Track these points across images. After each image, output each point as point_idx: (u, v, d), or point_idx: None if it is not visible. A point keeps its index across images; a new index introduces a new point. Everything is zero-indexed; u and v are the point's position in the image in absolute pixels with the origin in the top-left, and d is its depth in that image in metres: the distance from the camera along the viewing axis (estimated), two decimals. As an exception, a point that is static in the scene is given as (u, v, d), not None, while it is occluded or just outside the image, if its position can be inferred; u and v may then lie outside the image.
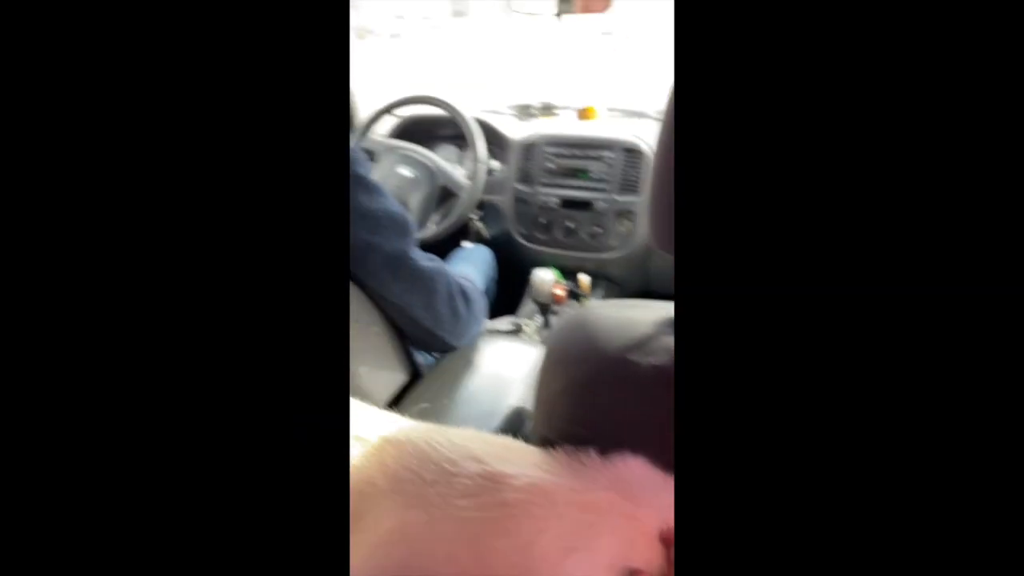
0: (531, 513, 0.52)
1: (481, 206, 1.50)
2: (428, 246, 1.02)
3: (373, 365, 0.92)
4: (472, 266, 1.35)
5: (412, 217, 1.06)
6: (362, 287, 0.86)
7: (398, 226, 0.86)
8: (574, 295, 1.32)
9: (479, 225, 1.51)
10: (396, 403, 0.96)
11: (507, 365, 1.00)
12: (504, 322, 1.21)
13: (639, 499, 0.51)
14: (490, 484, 0.52)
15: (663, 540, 0.47)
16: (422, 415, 0.87)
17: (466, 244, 1.49)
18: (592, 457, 0.54)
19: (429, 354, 1.08)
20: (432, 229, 1.42)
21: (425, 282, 0.90)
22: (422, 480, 0.52)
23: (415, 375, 1.03)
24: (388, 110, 1.53)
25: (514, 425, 0.89)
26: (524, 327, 1.18)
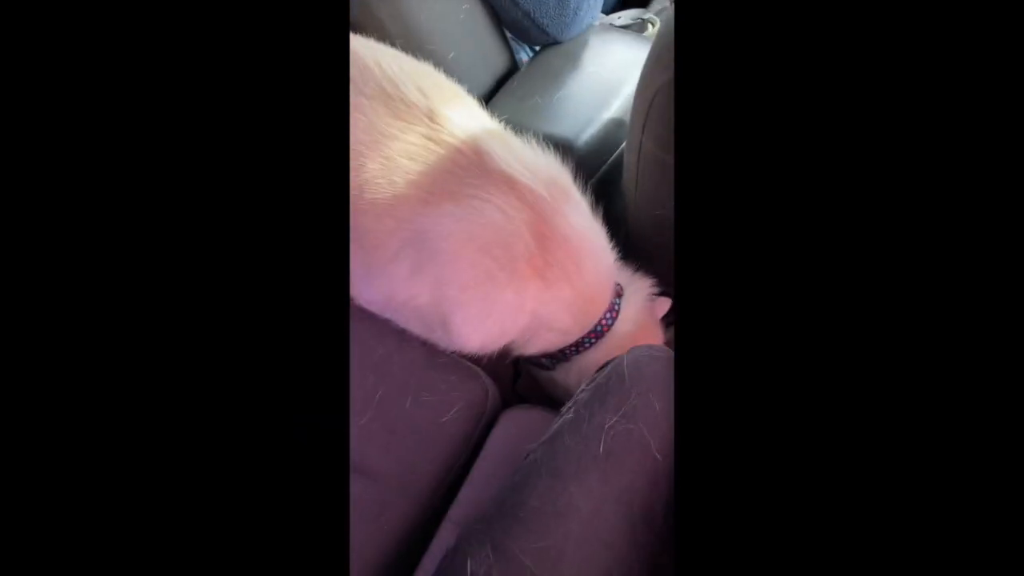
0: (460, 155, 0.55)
1: None
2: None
3: (461, 51, 0.81)
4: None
5: None
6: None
7: None
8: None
9: None
10: (489, 99, 0.87)
11: (618, 68, 0.84)
12: (626, 15, 1.00)
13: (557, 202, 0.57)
14: (428, 120, 0.57)
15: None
16: (519, 112, 0.78)
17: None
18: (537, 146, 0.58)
19: (530, 47, 0.94)
20: None
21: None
22: (359, 92, 0.58)
23: (512, 69, 0.91)
24: None
25: (608, 141, 0.78)
26: (649, 24, 0.97)
